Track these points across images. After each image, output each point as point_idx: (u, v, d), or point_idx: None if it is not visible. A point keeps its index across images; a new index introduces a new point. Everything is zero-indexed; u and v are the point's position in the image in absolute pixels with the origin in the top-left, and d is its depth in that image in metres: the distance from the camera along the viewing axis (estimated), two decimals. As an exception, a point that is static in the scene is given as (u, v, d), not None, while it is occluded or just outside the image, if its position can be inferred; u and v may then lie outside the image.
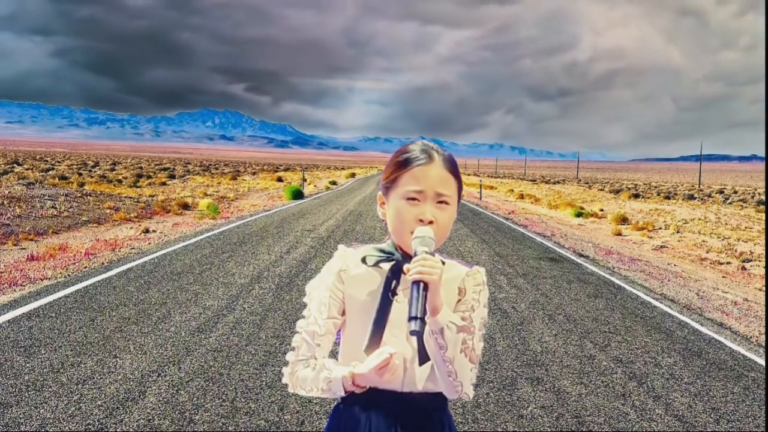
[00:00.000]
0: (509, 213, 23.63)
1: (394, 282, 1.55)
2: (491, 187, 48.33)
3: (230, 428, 3.74)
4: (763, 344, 6.54)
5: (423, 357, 1.50)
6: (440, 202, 1.52)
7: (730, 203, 40.66)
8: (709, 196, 50.16)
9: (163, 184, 33.73)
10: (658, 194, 48.07)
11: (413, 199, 1.51)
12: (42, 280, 7.71)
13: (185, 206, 19.06)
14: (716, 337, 6.64)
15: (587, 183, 73.57)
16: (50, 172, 37.79)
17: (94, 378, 4.40)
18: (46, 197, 17.22)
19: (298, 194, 25.81)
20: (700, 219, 24.21)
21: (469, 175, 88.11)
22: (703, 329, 6.94)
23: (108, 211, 16.36)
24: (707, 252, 15.11)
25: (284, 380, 1.58)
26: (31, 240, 11.32)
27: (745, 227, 21.78)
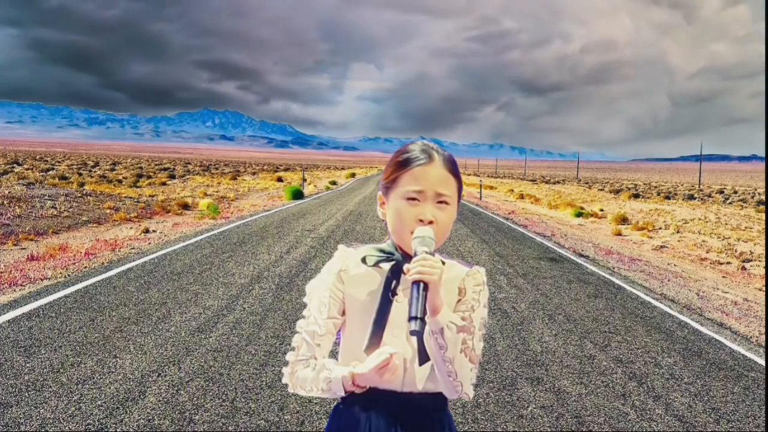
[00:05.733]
0: (509, 213, 23.63)
1: (394, 282, 1.55)
2: (491, 187, 48.35)
3: (230, 428, 3.74)
4: (763, 344, 6.54)
5: (423, 357, 1.50)
6: (440, 202, 1.52)
7: (730, 203, 40.66)
8: (709, 196, 50.15)
9: (163, 184, 33.73)
10: (658, 194, 48.06)
11: (413, 199, 1.51)
12: (42, 280, 7.71)
13: (185, 206, 19.07)
14: (716, 337, 6.64)
15: (587, 183, 73.57)
16: (50, 172, 37.79)
17: (94, 378, 4.40)
18: (46, 197, 17.23)
19: (298, 194, 25.82)
20: (700, 219, 24.21)
21: (469, 175, 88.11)
22: (703, 329, 6.94)
23: (108, 211, 16.37)
24: (707, 252, 15.11)
25: (284, 380, 1.58)
26: (31, 240, 11.32)
27: (745, 227, 21.78)
